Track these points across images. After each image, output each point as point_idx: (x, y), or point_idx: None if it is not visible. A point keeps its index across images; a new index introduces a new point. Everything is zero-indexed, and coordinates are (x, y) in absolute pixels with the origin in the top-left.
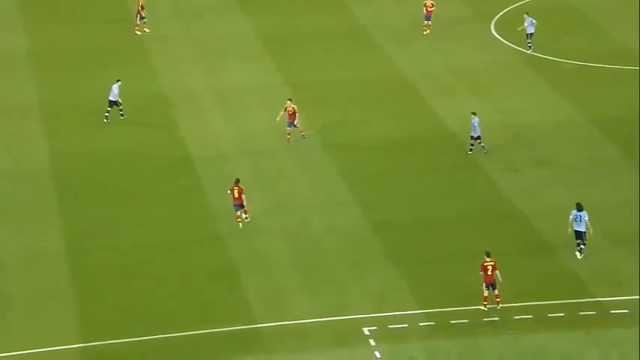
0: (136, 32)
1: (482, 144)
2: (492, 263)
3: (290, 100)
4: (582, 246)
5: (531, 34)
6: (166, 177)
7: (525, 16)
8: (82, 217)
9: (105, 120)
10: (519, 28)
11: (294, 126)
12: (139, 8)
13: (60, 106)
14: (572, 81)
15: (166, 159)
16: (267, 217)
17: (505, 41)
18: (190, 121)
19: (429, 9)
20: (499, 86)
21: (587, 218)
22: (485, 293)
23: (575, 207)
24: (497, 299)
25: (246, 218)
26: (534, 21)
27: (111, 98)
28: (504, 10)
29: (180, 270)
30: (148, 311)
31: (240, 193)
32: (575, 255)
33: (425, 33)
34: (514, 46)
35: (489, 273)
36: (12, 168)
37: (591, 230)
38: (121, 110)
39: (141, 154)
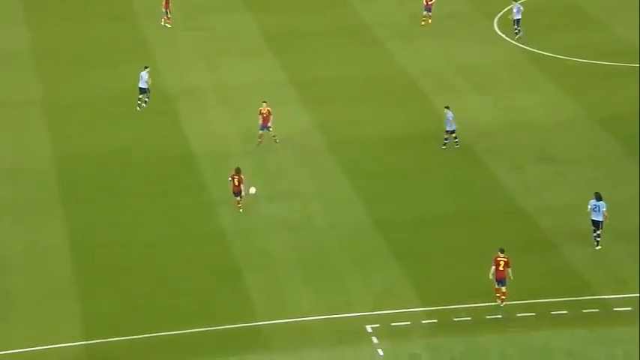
0: (166, 24)
1: (447, 140)
2: (505, 259)
3: (265, 102)
4: (598, 237)
5: (519, 19)
6: (169, 174)
7: (514, 3)
8: (84, 215)
9: (138, 108)
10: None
11: (268, 129)
12: (165, 2)
13: (62, 103)
14: (575, 78)
15: (169, 156)
16: (270, 214)
17: (508, 38)
18: (193, 119)
19: (429, 2)
20: (502, 83)
21: (604, 209)
22: (497, 286)
23: (594, 197)
24: (503, 296)
25: (239, 208)
26: (521, 8)
27: (141, 85)
28: (507, 8)
29: (182, 267)
30: (150, 309)
31: (240, 183)
32: (594, 245)
33: (422, 24)
34: (517, 44)
35: (500, 268)
36: (14, 165)
37: (607, 220)
38: (147, 98)
39: (143, 152)
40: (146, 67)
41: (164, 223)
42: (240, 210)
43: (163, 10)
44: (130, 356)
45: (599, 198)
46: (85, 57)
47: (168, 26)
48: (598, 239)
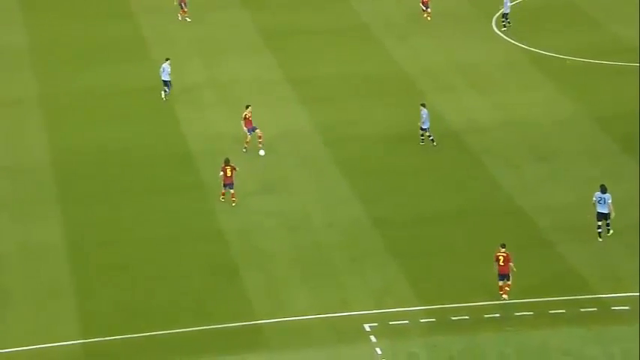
0: (180, 17)
1: (431, 136)
2: (505, 255)
3: (249, 106)
4: (608, 226)
5: (507, 13)
6: (167, 173)
7: None
8: (82, 213)
9: (163, 98)
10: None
11: (254, 130)
12: None
13: (61, 101)
14: (573, 77)
15: (167, 155)
16: (267, 213)
17: (506, 37)
18: (191, 117)
19: (425, 0)
20: (500, 82)
21: (610, 201)
22: (500, 283)
23: (599, 189)
24: (507, 287)
25: (233, 202)
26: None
27: (164, 78)
28: None
29: (181, 266)
30: (148, 307)
31: (232, 172)
32: (598, 239)
33: (429, 19)
34: (515, 42)
35: (501, 263)
36: (13, 163)
37: (613, 213)
38: (166, 90)
39: (141, 150)
40: (167, 59)
41: (162, 222)
42: (234, 204)
43: (177, 3)
44: (127, 355)
45: (604, 190)
46: (83, 55)
47: (188, 20)
48: (605, 229)
